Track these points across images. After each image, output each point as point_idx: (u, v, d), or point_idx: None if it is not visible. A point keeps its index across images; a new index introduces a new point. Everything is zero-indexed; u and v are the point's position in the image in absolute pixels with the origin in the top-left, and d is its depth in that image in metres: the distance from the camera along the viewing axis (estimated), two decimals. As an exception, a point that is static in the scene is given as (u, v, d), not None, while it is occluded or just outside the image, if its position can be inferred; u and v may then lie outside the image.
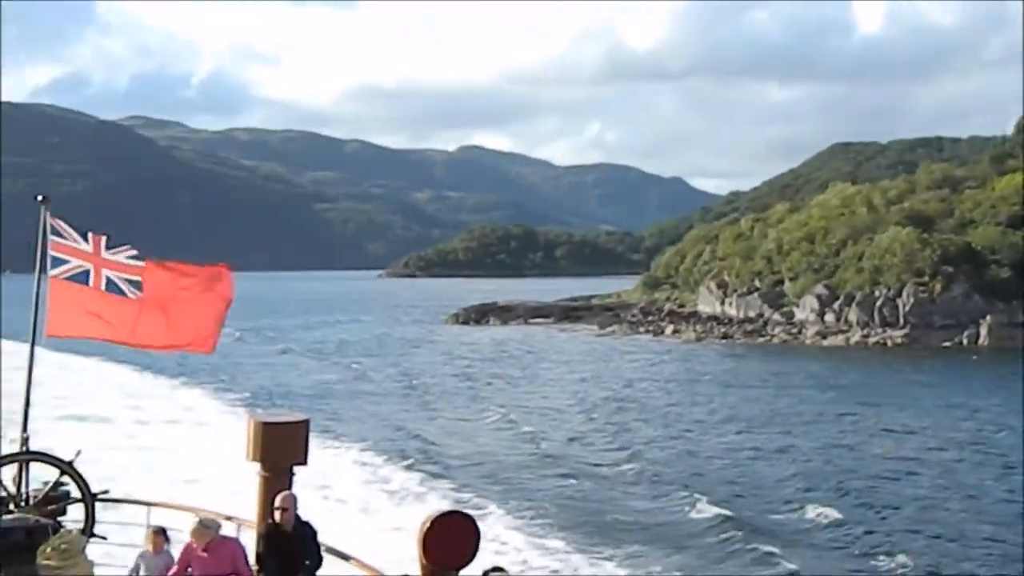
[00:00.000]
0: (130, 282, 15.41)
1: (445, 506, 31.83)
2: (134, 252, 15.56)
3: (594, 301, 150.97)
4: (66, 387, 59.12)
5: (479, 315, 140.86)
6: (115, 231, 16.40)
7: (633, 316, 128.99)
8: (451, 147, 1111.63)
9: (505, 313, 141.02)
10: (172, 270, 15.80)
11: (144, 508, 15.92)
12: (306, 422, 13.69)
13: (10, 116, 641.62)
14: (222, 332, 16.10)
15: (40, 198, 15.43)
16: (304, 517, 12.29)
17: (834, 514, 33.65)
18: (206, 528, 11.72)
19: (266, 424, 13.35)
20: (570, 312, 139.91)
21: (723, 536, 31.35)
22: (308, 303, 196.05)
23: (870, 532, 31.96)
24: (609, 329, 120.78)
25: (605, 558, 29.00)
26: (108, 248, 15.52)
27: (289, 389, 67.30)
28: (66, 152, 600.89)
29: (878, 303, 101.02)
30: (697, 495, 35.99)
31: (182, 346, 16.12)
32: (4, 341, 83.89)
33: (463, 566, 11.17)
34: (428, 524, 11.04)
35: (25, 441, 14.94)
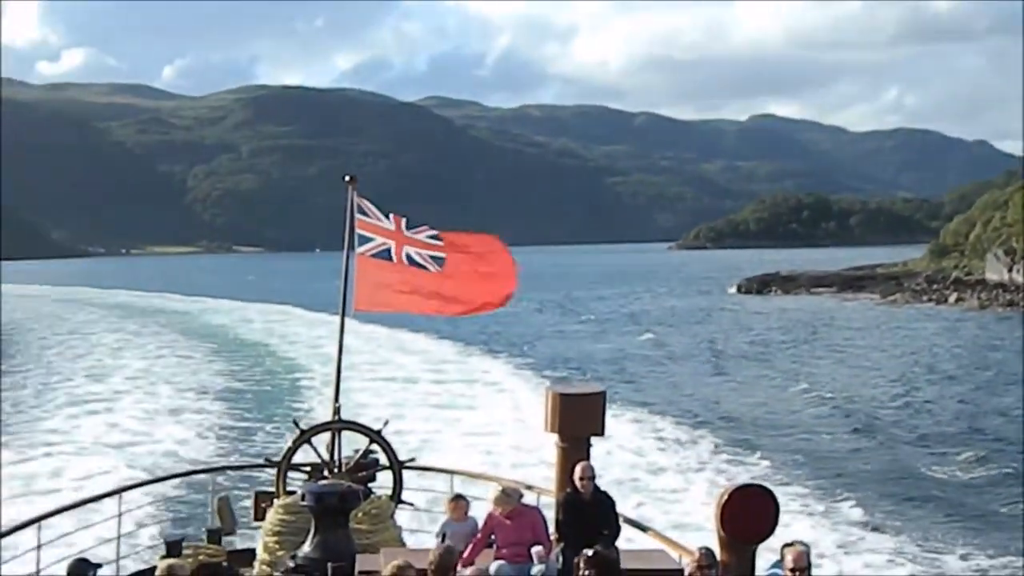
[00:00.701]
0: (432, 258, 15.85)
1: (739, 474, 31.65)
2: (433, 232, 15.98)
3: (879, 270, 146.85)
4: (373, 356, 61.94)
5: (761, 285, 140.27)
6: (414, 208, 16.98)
7: (917, 284, 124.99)
8: (742, 116, 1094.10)
9: (787, 283, 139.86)
10: (467, 245, 16.16)
11: (447, 476, 16.39)
12: (602, 393, 13.62)
13: (316, 101, 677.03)
14: (519, 303, 16.40)
15: (347, 178, 15.96)
16: (601, 487, 12.35)
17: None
18: (508, 497, 11.94)
19: (564, 395, 13.40)
20: (853, 281, 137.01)
21: (1007, 493, 31.45)
22: (602, 275, 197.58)
23: None
24: (891, 298, 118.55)
25: (894, 518, 28.65)
26: (408, 228, 16.01)
27: (585, 357, 68.13)
28: (367, 134, 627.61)
29: None
30: (982, 455, 36.09)
31: (475, 309, 16.39)
32: (317, 314, 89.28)
33: (761, 540, 11.02)
34: (726, 497, 10.94)
35: (337, 410, 15.56)
